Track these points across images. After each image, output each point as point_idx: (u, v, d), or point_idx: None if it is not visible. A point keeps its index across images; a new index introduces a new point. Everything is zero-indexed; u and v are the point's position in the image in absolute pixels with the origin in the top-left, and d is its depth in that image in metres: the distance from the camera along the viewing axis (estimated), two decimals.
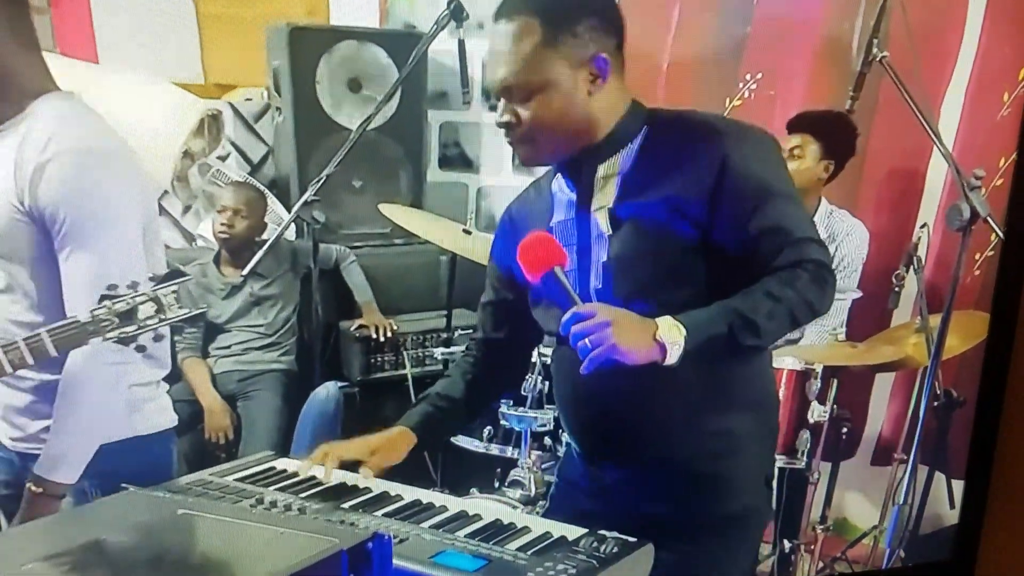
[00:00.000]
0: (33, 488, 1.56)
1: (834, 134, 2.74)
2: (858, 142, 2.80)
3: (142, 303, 1.39)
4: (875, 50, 2.53)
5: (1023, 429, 1.53)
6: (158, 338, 1.43)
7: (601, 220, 1.44)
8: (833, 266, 2.78)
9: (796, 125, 2.75)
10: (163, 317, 1.40)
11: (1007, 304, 1.48)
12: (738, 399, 1.48)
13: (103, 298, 1.38)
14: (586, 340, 1.28)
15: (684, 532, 1.43)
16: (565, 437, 1.77)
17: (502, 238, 1.64)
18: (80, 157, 1.51)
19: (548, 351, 2.05)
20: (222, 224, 2.90)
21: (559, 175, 1.52)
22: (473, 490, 2.52)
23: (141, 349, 1.42)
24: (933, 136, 2.42)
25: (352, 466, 1.53)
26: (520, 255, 1.38)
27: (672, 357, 1.30)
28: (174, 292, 1.40)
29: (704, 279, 1.39)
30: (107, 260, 1.51)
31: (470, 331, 1.80)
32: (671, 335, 1.30)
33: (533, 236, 1.39)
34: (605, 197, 1.45)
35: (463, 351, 1.73)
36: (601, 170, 1.45)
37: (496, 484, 2.55)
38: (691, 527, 1.46)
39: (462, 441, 2.53)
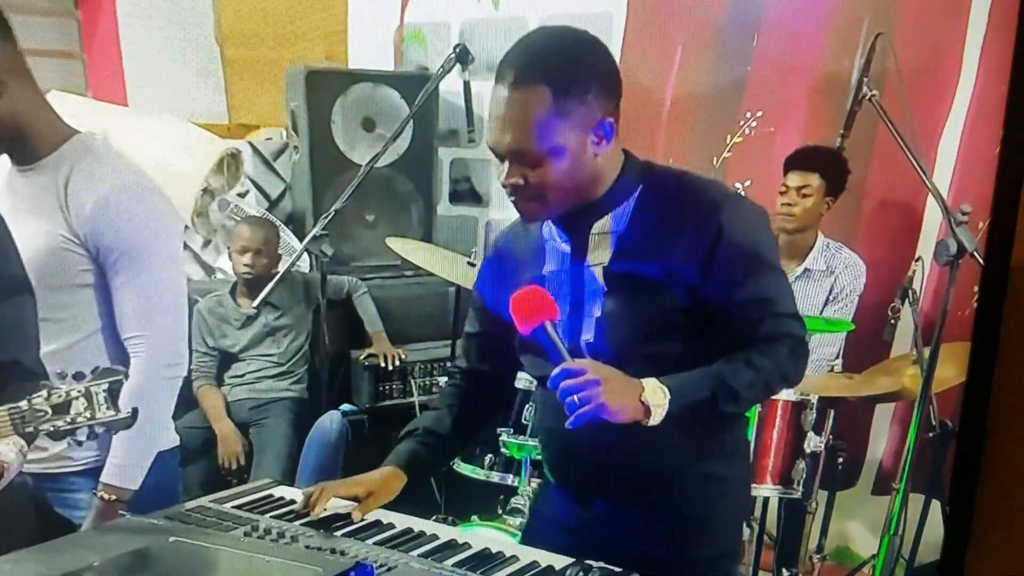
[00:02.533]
0: (106, 496, 1.69)
1: (836, 171, 2.78)
2: (856, 177, 2.85)
3: (75, 398, 1.35)
4: (865, 89, 2.58)
5: (1006, 454, 1.58)
6: (92, 435, 1.38)
7: (595, 277, 1.48)
8: (830, 298, 2.86)
9: (803, 162, 2.77)
10: (91, 416, 1.35)
11: (987, 331, 1.54)
12: (714, 445, 1.54)
13: (42, 386, 1.36)
14: (574, 397, 1.32)
15: (663, 571, 1.45)
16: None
17: (488, 273, 1.66)
18: (132, 191, 1.68)
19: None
20: (245, 265, 3.00)
21: (552, 224, 1.53)
22: (474, 517, 2.59)
23: (79, 443, 1.39)
24: (921, 172, 2.46)
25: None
26: (512, 308, 1.40)
27: (655, 419, 1.36)
28: (105, 391, 1.36)
29: (691, 337, 1.44)
30: (157, 281, 1.68)
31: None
32: (655, 398, 1.36)
33: (526, 290, 1.41)
34: (601, 254, 1.47)
35: (447, 379, 1.76)
36: (597, 227, 1.48)
37: (499, 511, 2.61)
38: (670, 567, 1.49)
39: (464, 469, 2.59)
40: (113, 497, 1.70)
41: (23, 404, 1.34)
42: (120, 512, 1.66)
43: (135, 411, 1.36)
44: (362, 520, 1.53)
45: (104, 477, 1.71)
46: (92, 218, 1.64)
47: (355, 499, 1.56)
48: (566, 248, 1.51)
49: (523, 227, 1.61)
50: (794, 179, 2.77)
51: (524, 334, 1.41)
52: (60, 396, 1.34)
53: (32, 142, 1.67)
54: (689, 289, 1.42)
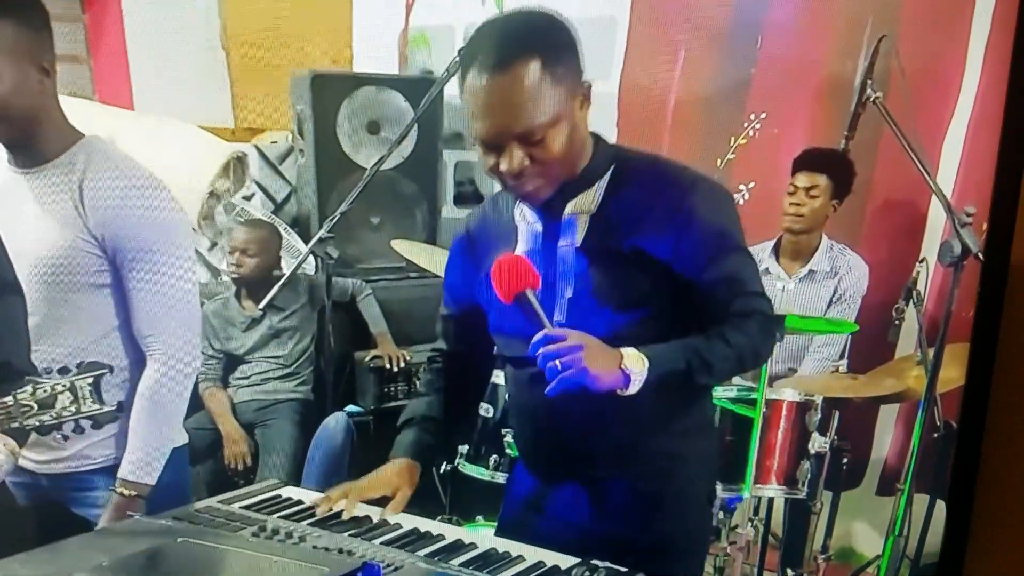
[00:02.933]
0: (125, 492, 1.71)
1: (844, 173, 2.80)
2: (861, 178, 2.86)
3: (60, 392, 1.34)
4: (869, 91, 2.59)
5: (1005, 453, 1.59)
6: (78, 429, 1.37)
7: (567, 258, 1.50)
8: (834, 299, 2.87)
9: (812, 163, 2.79)
10: (76, 410, 1.35)
11: (987, 330, 1.55)
12: (683, 423, 1.56)
13: (28, 382, 1.36)
14: (556, 362, 1.32)
15: (630, 549, 1.46)
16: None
17: (461, 254, 1.67)
18: (147, 192, 1.70)
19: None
20: (232, 265, 3.02)
21: (524, 205, 1.54)
22: (479, 517, 2.61)
23: (65, 438, 1.39)
24: (925, 174, 2.47)
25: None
26: (493, 276, 1.41)
27: (634, 386, 1.37)
28: (90, 384, 1.35)
29: (662, 318, 1.47)
30: (172, 280, 1.71)
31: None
32: (635, 366, 1.36)
33: (507, 258, 1.42)
34: (572, 235, 1.50)
35: (428, 364, 1.78)
36: (569, 207, 1.49)
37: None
38: (637, 544, 1.50)
39: (469, 469, 2.60)
40: (132, 493, 1.72)
41: (8, 400, 1.34)
42: (129, 513, 1.67)
43: (120, 404, 1.37)
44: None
45: (121, 473, 1.73)
46: (110, 220, 1.66)
47: (382, 499, 1.57)
48: (538, 228, 1.52)
49: (494, 208, 1.62)
50: (803, 179, 2.79)
51: (506, 302, 1.41)
52: (45, 391, 1.34)
53: (44, 142, 1.69)
54: (659, 270, 1.44)
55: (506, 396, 2.49)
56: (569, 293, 1.49)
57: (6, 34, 1.57)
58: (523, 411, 1.63)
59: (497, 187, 1.56)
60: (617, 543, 1.43)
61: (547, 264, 1.51)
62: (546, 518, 1.60)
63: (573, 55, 1.42)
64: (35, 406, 1.34)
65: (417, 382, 3.13)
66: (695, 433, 1.60)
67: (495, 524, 2.44)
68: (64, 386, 1.34)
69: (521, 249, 1.54)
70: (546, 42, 1.39)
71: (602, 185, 1.49)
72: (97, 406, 1.35)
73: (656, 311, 1.47)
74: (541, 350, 1.33)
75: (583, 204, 1.49)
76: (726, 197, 1.54)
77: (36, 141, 1.68)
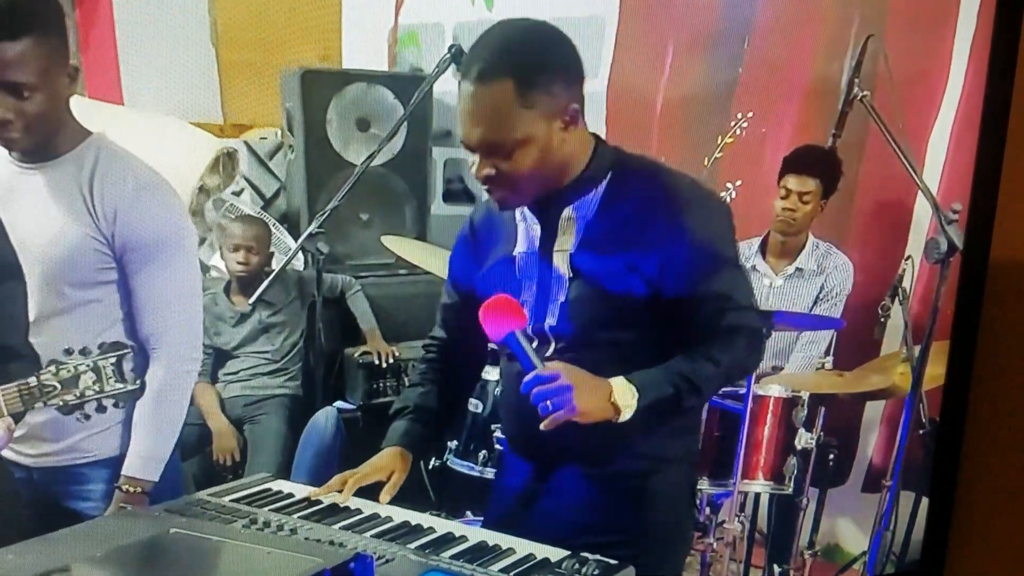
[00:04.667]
0: (131, 489, 1.72)
1: (833, 174, 2.82)
2: (847, 176, 2.88)
3: (84, 372, 1.38)
4: (856, 89, 2.61)
5: (985, 447, 1.62)
6: (101, 409, 1.41)
7: (561, 264, 1.52)
8: (820, 297, 2.89)
9: (803, 167, 2.80)
10: (100, 388, 1.38)
11: (967, 325, 1.57)
12: (670, 428, 1.57)
13: (51, 362, 1.39)
14: (547, 402, 1.38)
15: (614, 543, 1.47)
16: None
17: (463, 249, 1.70)
18: (154, 191, 1.72)
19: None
20: (239, 263, 3.01)
21: (525, 207, 1.56)
22: (468, 512, 2.61)
23: (87, 417, 1.42)
24: (911, 171, 2.49)
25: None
26: (482, 317, 1.45)
27: (624, 417, 1.42)
28: (113, 364, 1.39)
29: (652, 326, 1.49)
30: (177, 277, 1.73)
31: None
32: (624, 399, 1.41)
33: (495, 299, 1.46)
34: (568, 240, 1.52)
35: (424, 353, 1.80)
36: (566, 212, 1.52)
37: None
38: (621, 537, 1.52)
39: (458, 465, 2.61)
40: (137, 489, 1.72)
41: (31, 380, 1.37)
42: (122, 505, 1.68)
43: (143, 383, 1.39)
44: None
45: (126, 470, 1.74)
46: (120, 218, 1.67)
47: (374, 488, 1.60)
48: (537, 231, 1.55)
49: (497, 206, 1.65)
50: (795, 183, 2.80)
51: (495, 341, 1.46)
52: (69, 371, 1.37)
53: (56, 137, 1.69)
54: (649, 282, 1.46)
55: (497, 390, 2.52)
56: (562, 298, 1.52)
57: (41, 51, 1.57)
58: (513, 404, 1.65)
59: None
60: (603, 536, 1.46)
61: (542, 267, 1.54)
62: (533, 511, 1.62)
63: (556, 78, 1.43)
64: (58, 386, 1.37)
65: (406, 378, 3.14)
66: (683, 431, 1.62)
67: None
68: (88, 366, 1.37)
69: (519, 249, 1.57)
70: (525, 64, 1.42)
71: (600, 191, 1.51)
72: (121, 385, 1.38)
73: (647, 321, 1.49)
74: (533, 391, 1.39)
75: (579, 210, 1.52)
76: (721, 211, 1.54)
77: (50, 138, 1.68)
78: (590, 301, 1.50)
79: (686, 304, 1.47)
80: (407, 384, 1.81)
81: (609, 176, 1.52)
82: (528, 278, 1.55)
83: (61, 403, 1.37)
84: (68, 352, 1.39)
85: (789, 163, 2.84)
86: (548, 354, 1.52)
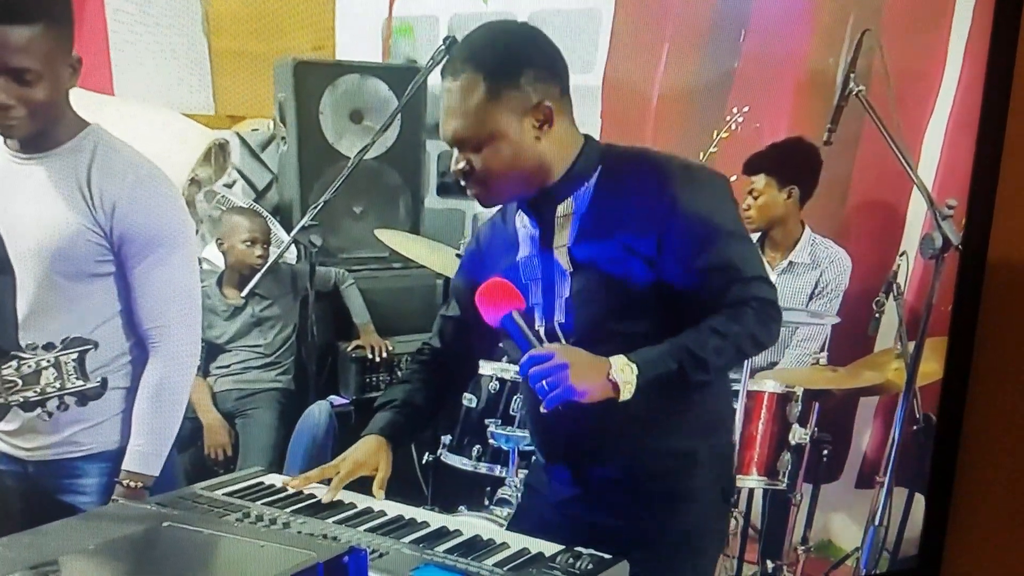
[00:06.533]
0: (131, 484, 1.71)
1: (787, 161, 2.84)
2: (842, 172, 2.88)
3: (45, 368, 1.35)
4: (852, 84, 2.61)
5: (982, 444, 1.62)
6: (63, 407, 1.37)
7: (562, 259, 1.53)
8: (815, 292, 2.89)
9: (750, 167, 2.88)
10: (61, 385, 1.35)
11: (965, 322, 1.57)
12: (696, 421, 1.57)
13: (12, 357, 1.35)
14: (543, 382, 1.37)
15: (642, 545, 1.49)
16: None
17: (469, 262, 1.72)
18: (152, 183, 1.71)
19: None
20: (258, 256, 2.99)
21: (521, 211, 1.60)
22: (462, 508, 2.60)
23: (49, 415, 1.38)
24: (907, 166, 2.49)
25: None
26: (478, 301, 1.46)
27: (625, 394, 1.40)
28: (75, 360, 1.36)
29: (659, 312, 1.48)
30: (176, 271, 1.72)
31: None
32: (623, 374, 1.40)
33: (490, 282, 1.47)
34: (564, 236, 1.53)
35: (417, 354, 1.80)
36: (560, 209, 1.53)
37: (485, 502, 2.63)
38: (650, 541, 1.53)
39: (452, 460, 2.61)
40: (138, 484, 1.72)
41: None
42: (114, 498, 1.67)
43: (104, 381, 1.37)
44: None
45: (126, 464, 1.73)
46: (119, 211, 1.66)
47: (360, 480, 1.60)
48: (535, 233, 1.56)
49: (501, 218, 1.67)
50: (746, 184, 2.87)
51: (493, 325, 1.46)
52: (30, 367, 1.34)
53: (55, 128, 1.67)
54: (649, 264, 1.46)
55: (491, 385, 2.53)
56: (566, 293, 1.53)
57: (48, 39, 1.57)
58: (533, 412, 1.66)
59: None
60: (624, 538, 1.45)
61: (545, 267, 1.55)
62: (556, 508, 1.63)
63: (524, 75, 1.45)
64: (19, 382, 1.33)
65: (399, 372, 3.13)
66: (710, 430, 1.61)
67: (477, 515, 2.47)
68: (49, 361, 1.33)
69: (522, 254, 1.59)
70: (497, 62, 1.45)
71: (591, 185, 1.52)
72: (81, 382, 1.34)
73: (653, 305, 1.48)
74: (529, 371, 1.39)
75: (572, 205, 1.52)
76: (715, 182, 1.53)
77: (51, 128, 1.67)
78: (595, 292, 1.50)
79: (690, 281, 1.46)
80: (400, 379, 1.81)
81: (599, 169, 1.52)
82: (533, 280, 1.56)
83: (22, 399, 1.34)
84: (32, 347, 1.35)
85: (743, 172, 2.89)
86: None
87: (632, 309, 1.48)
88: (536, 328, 1.53)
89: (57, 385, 1.35)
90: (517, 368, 2.29)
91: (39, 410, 1.36)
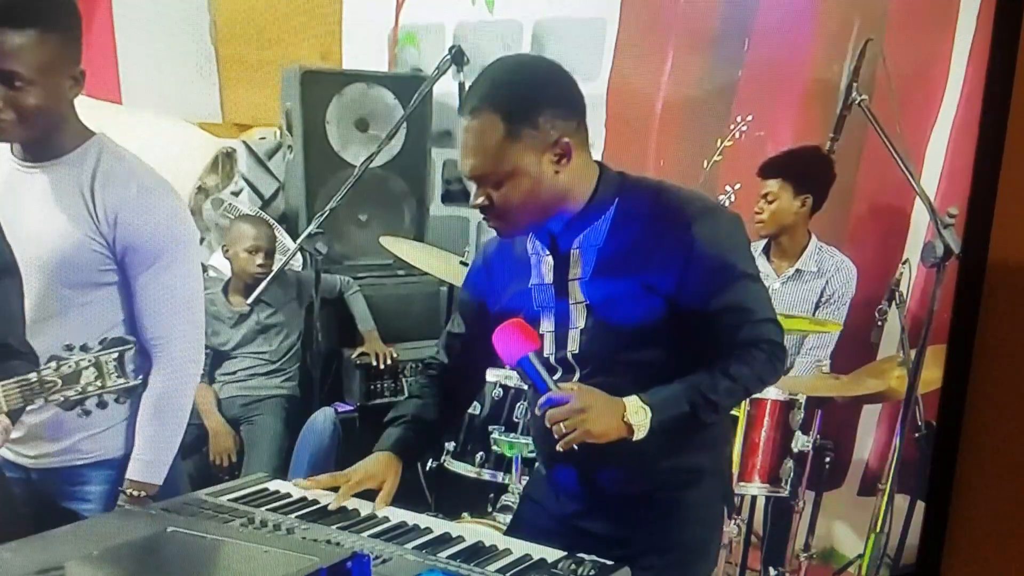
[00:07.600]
0: (135, 492, 1.72)
1: (804, 169, 2.84)
2: (845, 180, 2.89)
3: (85, 367, 1.38)
4: (854, 93, 2.62)
5: (982, 451, 1.62)
6: (102, 404, 1.41)
7: (577, 292, 1.54)
8: (822, 300, 2.90)
9: (767, 171, 2.86)
10: (101, 384, 1.38)
11: (964, 330, 1.58)
12: (701, 438, 1.58)
13: (51, 358, 1.38)
14: (560, 425, 1.40)
15: (644, 555, 1.51)
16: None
17: (476, 279, 1.72)
18: (155, 193, 1.71)
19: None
20: (259, 265, 3.01)
21: (535, 239, 1.59)
22: (464, 514, 2.61)
23: (87, 413, 1.42)
24: (909, 175, 2.50)
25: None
26: (496, 341, 1.48)
27: (639, 435, 1.43)
28: (115, 359, 1.39)
29: (671, 343, 1.50)
30: (179, 280, 1.72)
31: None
32: (637, 417, 1.43)
33: (508, 323, 1.48)
34: (581, 268, 1.53)
35: (425, 369, 1.82)
36: (577, 242, 1.54)
37: (488, 509, 2.63)
38: (652, 551, 1.54)
39: (455, 466, 2.61)
40: (141, 493, 1.72)
41: (32, 376, 1.36)
42: (120, 504, 1.68)
43: (145, 379, 1.39)
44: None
45: (130, 474, 1.74)
46: (121, 221, 1.67)
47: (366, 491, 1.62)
48: (550, 262, 1.57)
49: (511, 238, 1.67)
50: (762, 187, 2.86)
51: (509, 365, 1.50)
52: (70, 367, 1.37)
53: (57, 137, 1.68)
54: (666, 301, 1.48)
55: (495, 392, 2.54)
56: (581, 324, 1.54)
57: (44, 47, 1.57)
58: (542, 426, 1.64)
59: None
60: (625, 548, 1.47)
61: (558, 297, 1.56)
62: (556, 519, 1.64)
63: (543, 113, 1.45)
64: (59, 382, 1.36)
65: (404, 379, 3.14)
66: (708, 447, 1.62)
67: (480, 522, 2.48)
68: (89, 361, 1.36)
69: (534, 280, 1.59)
70: (512, 98, 1.45)
71: (608, 218, 1.53)
72: (123, 380, 1.38)
73: (666, 341, 1.50)
74: (547, 414, 1.42)
75: (589, 238, 1.53)
76: (732, 223, 1.55)
77: (54, 136, 1.68)
78: (609, 326, 1.51)
79: (705, 320, 1.48)
80: (406, 394, 1.83)
81: (616, 202, 1.53)
82: (546, 309, 1.57)
83: (62, 399, 1.37)
84: (69, 348, 1.38)
85: (758, 172, 2.88)
86: (575, 381, 1.53)
87: (645, 341, 1.50)
88: (546, 355, 1.55)
89: (99, 384, 1.37)
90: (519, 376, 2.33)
91: (78, 409, 1.38)
